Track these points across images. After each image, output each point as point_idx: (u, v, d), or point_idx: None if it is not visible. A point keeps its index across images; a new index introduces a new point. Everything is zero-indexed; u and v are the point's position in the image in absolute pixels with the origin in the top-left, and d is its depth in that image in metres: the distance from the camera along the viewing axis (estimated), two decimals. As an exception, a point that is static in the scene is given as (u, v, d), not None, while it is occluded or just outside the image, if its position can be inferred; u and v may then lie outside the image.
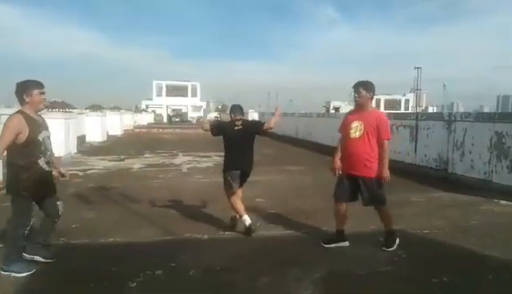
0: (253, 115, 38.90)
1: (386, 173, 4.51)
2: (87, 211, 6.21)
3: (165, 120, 55.84)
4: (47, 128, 4.05)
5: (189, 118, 57.48)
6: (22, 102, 3.87)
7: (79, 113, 21.63)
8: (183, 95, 63.38)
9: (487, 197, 7.48)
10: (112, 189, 7.95)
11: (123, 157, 13.85)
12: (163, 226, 5.48)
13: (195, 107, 62.37)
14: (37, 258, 4.01)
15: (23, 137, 3.73)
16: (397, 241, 4.66)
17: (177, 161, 12.97)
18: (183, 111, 61.18)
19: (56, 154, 13.09)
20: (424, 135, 10.66)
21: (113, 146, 18.11)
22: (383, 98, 40.83)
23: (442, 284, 3.81)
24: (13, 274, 3.83)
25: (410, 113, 14.93)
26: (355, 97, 4.56)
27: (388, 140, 4.48)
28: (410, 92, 42.03)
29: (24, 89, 3.86)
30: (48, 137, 4.03)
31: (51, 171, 4.06)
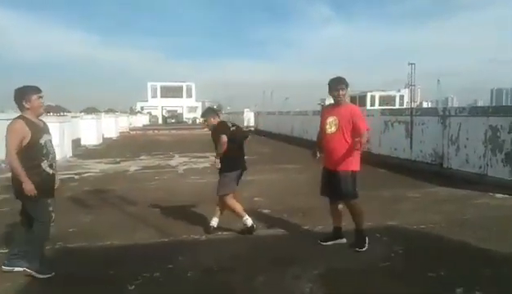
0: (248, 114, 38.86)
1: (363, 139, 4.40)
2: (84, 215, 6.20)
3: (160, 121, 55.70)
4: (48, 132, 4.10)
5: (184, 119, 57.35)
6: (22, 108, 3.89)
7: (74, 117, 21.57)
8: (178, 96, 63.18)
9: (482, 190, 7.52)
10: (108, 192, 7.93)
11: (118, 159, 13.81)
12: (160, 228, 5.47)
13: (191, 108, 62.21)
14: (16, 269, 3.95)
15: (26, 142, 3.77)
16: (367, 240, 4.60)
17: (173, 162, 12.96)
18: (178, 112, 61.01)
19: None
20: (419, 131, 10.70)
21: (108, 149, 18.07)
22: (377, 94, 40.77)
23: (439, 278, 3.83)
24: (36, 275, 3.87)
25: (405, 108, 14.99)
26: (336, 96, 4.60)
27: (367, 130, 4.49)
28: (405, 88, 42.09)
29: (23, 95, 3.88)
30: (50, 140, 4.07)
31: (54, 174, 4.07)
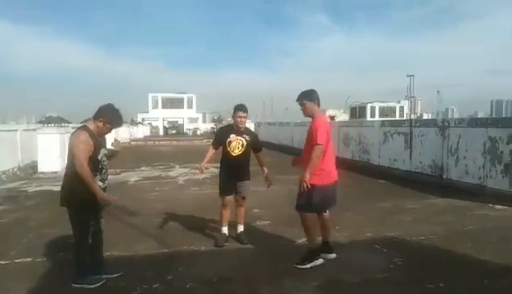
0: (249, 125, 38.92)
1: (305, 177, 4.27)
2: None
3: (161, 132, 55.82)
4: (105, 146, 4.18)
5: (185, 130, 57.49)
6: (94, 120, 3.97)
7: (75, 128, 21.62)
8: (179, 107, 63.44)
9: (482, 201, 7.54)
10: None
11: (119, 170, 13.83)
12: (160, 239, 5.48)
13: (192, 119, 62.44)
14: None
15: (88, 154, 3.83)
16: (314, 263, 4.41)
17: (173, 173, 12.98)
18: (179, 123, 61.21)
19: (53, 169, 13.12)
20: (418, 142, 10.73)
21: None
22: (377, 105, 40.94)
23: (438, 290, 3.84)
24: (86, 286, 3.91)
25: (405, 120, 15.05)
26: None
27: (316, 144, 4.31)
28: (405, 99, 42.24)
29: (105, 115, 3.97)
30: (105, 155, 4.15)
31: (105, 188, 4.12)
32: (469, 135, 8.93)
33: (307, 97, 4.57)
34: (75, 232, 4.00)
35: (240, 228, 5.39)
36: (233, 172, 5.24)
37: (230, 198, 5.31)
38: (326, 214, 4.68)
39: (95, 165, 3.93)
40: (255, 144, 5.37)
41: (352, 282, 4.04)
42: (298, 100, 4.62)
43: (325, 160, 4.41)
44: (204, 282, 4.08)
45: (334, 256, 4.66)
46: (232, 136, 5.21)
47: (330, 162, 4.50)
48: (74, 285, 3.94)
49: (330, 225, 4.73)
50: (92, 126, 3.96)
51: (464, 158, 9.00)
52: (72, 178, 3.82)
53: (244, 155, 5.24)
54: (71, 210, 3.92)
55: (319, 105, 4.62)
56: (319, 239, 4.66)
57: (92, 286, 3.92)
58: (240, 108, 5.25)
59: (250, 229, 5.84)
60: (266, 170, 5.38)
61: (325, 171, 4.43)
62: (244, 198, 5.36)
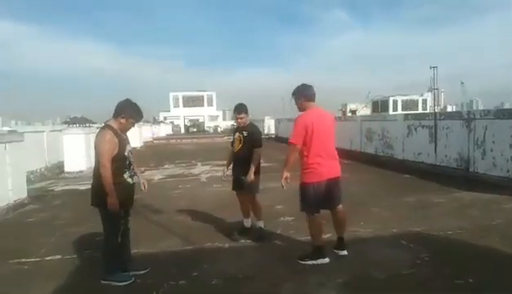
0: (269, 122, 38.91)
1: (282, 175, 4.38)
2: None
3: (183, 130, 56.33)
4: (129, 142, 4.24)
5: (206, 128, 57.89)
6: (115, 117, 4.01)
7: (99, 128, 22.00)
8: (199, 105, 63.93)
9: (510, 195, 7.34)
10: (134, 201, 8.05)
11: (143, 169, 14.01)
12: (184, 236, 5.54)
13: (212, 116, 62.82)
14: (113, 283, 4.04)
15: (114, 153, 3.90)
16: (316, 262, 4.35)
17: (195, 171, 13.09)
18: (200, 121, 61.67)
19: (78, 169, 13.42)
20: (443, 135, 10.52)
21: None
22: (400, 99, 40.35)
23: (467, 285, 3.76)
24: (113, 283, 3.99)
25: (429, 113, 14.77)
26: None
27: (288, 143, 4.40)
28: (428, 92, 41.42)
29: (127, 111, 4.03)
30: (131, 151, 4.22)
31: (134, 184, 4.21)
32: (496, 126, 8.70)
33: (294, 93, 4.56)
34: (105, 230, 4.06)
35: (259, 223, 5.42)
36: (236, 168, 5.44)
37: (241, 193, 5.47)
38: (339, 211, 4.59)
39: (123, 162, 4.00)
40: (252, 141, 5.35)
41: (378, 278, 4.00)
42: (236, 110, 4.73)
43: (312, 157, 4.31)
44: (228, 278, 4.11)
45: (345, 253, 4.59)
46: (236, 134, 5.46)
47: (320, 159, 4.33)
48: (102, 282, 4.02)
49: (343, 222, 4.65)
50: (115, 124, 4.01)
51: (492, 150, 8.78)
52: (99, 177, 3.89)
53: (243, 151, 5.31)
54: (102, 209, 3.98)
55: (310, 100, 4.50)
56: (326, 237, 4.63)
57: (121, 283, 4.00)
58: (236, 109, 5.45)
59: (274, 226, 5.85)
60: (252, 167, 5.24)
61: (313, 169, 4.33)
62: (248, 194, 5.40)
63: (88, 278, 4.21)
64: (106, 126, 4.00)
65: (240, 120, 5.42)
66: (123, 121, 4.02)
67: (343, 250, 4.61)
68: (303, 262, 4.37)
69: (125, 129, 4.11)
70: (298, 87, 4.57)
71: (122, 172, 3.99)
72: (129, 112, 4.05)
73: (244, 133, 5.35)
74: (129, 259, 4.31)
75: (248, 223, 5.54)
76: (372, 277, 4.03)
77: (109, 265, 4.08)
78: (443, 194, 7.79)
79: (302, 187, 4.42)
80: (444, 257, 4.52)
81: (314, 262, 4.35)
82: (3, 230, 6.34)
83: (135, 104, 4.13)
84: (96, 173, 3.93)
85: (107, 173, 3.81)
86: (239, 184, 5.40)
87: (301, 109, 4.54)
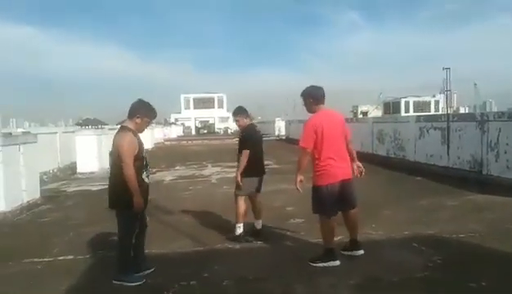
0: (280, 123, 38.90)
1: (295, 179, 4.43)
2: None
3: (194, 132, 56.56)
4: (143, 143, 4.30)
5: (216, 130, 58.07)
6: (131, 119, 4.08)
7: (111, 129, 22.17)
8: (210, 107, 64.17)
9: (525, 198, 7.23)
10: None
11: (154, 170, 14.08)
12: (195, 237, 5.56)
13: (222, 118, 62.98)
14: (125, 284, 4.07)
15: (134, 153, 3.96)
16: (328, 264, 4.33)
17: (206, 172, 13.13)
18: (210, 122, 61.89)
19: (90, 170, 13.54)
20: (456, 137, 10.41)
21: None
22: (412, 100, 40.00)
23: (480, 289, 3.71)
24: (124, 284, 4.02)
25: (441, 114, 14.63)
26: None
27: (298, 147, 4.43)
28: (440, 93, 40.96)
29: (142, 110, 4.10)
30: (146, 151, 4.30)
31: (148, 184, 4.26)
32: (510, 128, 8.58)
33: (303, 95, 4.56)
34: (120, 231, 4.10)
35: (237, 226, 5.41)
36: None
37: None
38: (352, 212, 4.56)
39: (141, 162, 4.06)
40: (240, 144, 5.41)
41: (390, 281, 3.97)
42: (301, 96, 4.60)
43: (323, 159, 4.29)
44: (239, 279, 4.11)
45: (361, 252, 4.58)
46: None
47: (332, 160, 4.31)
48: (114, 282, 4.05)
49: (355, 224, 4.63)
50: (131, 125, 4.06)
51: (505, 152, 8.66)
52: (117, 178, 3.95)
53: (239, 152, 5.35)
54: (120, 210, 4.03)
55: (319, 101, 4.49)
56: (337, 239, 4.61)
57: (133, 284, 4.02)
58: (233, 113, 5.58)
59: (285, 227, 5.85)
60: (237, 168, 5.34)
61: (325, 170, 4.31)
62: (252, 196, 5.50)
63: (100, 279, 4.25)
64: (125, 128, 4.04)
65: (237, 123, 5.52)
66: (138, 120, 4.07)
67: (359, 249, 4.60)
68: (314, 264, 4.36)
69: (141, 129, 4.17)
70: (306, 88, 4.56)
71: (141, 172, 4.04)
72: (143, 111, 4.11)
73: (238, 136, 5.43)
74: (144, 258, 4.34)
75: (258, 225, 5.51)
76: (384, 279, 4.00)
77: (122, 265, 4.11)
78: (456, 197, 7.70)
79: (315, 189, 4.40)
80: (457, 260, 4.47)
81: (325, 264, 4.33)
82: (17, 230, 6.43)
83: (148, 103, 4.19)
84: (116, 174, 3.97)
85: (132, 173, 3.86)
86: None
87: (310, 110, 4.54)
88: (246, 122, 5.49)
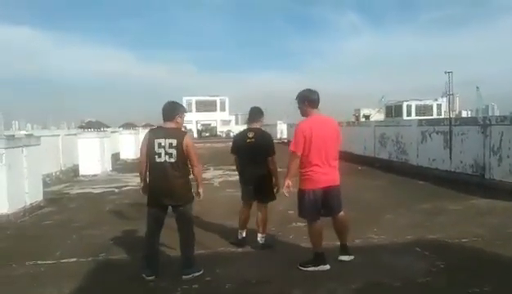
0: (281, 126, 38.87)
1: (284, 183, 4.47)
2: (124, 227, 6.38)
3: (196, 135, 56.58)
4: None
5: (218, 133, 58.08)
6: (170, 120, 4.32)
7: (113, 132, 22.25)
8: (212, 110, 64.15)
9: (528, 202, 7.21)
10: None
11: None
12: (197, 240, 5.50)
13: (224, 121, 62.99)
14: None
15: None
16: (317, 268, 4.35)
17: (208, 175, 13.13)
18: (212, 125, 61.88)
19: (93, 172, 13.55)
20: (458, 141, 10.40)
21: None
22: (414, 104, 39.92)
23: (483, 294, 3.71)
24: (195, 274, 4.26)
25: (443, 118, 14.61)
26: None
27: (289, 150, 4.41)
28: (442, 97, 40.82)
29: (179, 110, 4.41)
30: None
31: None
32: (513, 133, 8.57)
33: (298, 97, 4.55)
34: (191, 222, 4.55)
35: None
36: None
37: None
38: (339, 217, 4.57)
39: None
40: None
41: (392, 285, 3.96)
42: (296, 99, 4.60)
43: (308, 164, 4.30)
44: (241, 283, 4.12)
45: (346, 258, 4.58)
46: None
47: (317, 167, 4.30)
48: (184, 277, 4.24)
49: (344, 230, 4.64)
50: (173, 125, 4.31)
51: (508, 156, 8.64)
52: (186, 176, 4.36)
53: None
54: (190, 205, 4.47)
55: (313, 105, 4.48)
56: (329, 243, 4.62)
57: (200, 272, 4.30)
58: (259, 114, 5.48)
59: (287, 231, 5.85)
60: None
61: (309, 176, 4.32)
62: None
63: (102, 281, 4.26)
64: (181, 130, 4.38)
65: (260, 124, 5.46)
66: (179, 120, 4.36)
67: (346, 255, 4.60)
68: (304, 268, 4.37)
69: (182, 126, 4.47)
70: (303, 91, 4.56)
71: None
72: (180, 109, 4.44)
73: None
74: (183, 258, 4.52)
75: (260, 239, 5.34)
76: (386, 284, 4.00)
77: (193, 255, 4.43)
78: (459, 201, 7.69)
79: (299, 193, 4.45)
80: (460, 265, 4.47)
81: (315, 268, 4.35)
82: (20, 232, 6.45)
83: (173, 101, 4.48)
84: (183, 173, 4.30)
85: (200, 171, 4.62)
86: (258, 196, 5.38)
87: (304, 114, 4.53)
88: (256, 125, 5.36)
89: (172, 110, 4.35)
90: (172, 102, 4.46)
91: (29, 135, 10.76)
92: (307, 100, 4.48)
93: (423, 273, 4.23)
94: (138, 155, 4.61)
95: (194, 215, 6.90)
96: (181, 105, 4.57)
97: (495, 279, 4.02)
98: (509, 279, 4.05)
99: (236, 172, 5.64)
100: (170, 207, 4.40)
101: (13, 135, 9.93)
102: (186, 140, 4.23)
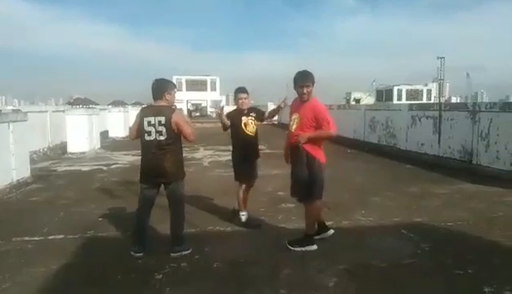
0: (271, 108, 38.76)
1: (303, 138, 4.27)
2: (112, 205, 6.35)
3: (186, 114, 56.27)
4: None
5: (208, 113, 57.84)
6: (160, 98, 4.30)
7: (102, 109, 21.98)
8: (203, 90, 63.66)
9: (513, 188, 7.33)
10: (136, 184, 8.00)
11: (145, 151, 14.03)
12: (186, 219, 5.52)
13: (215, 101, 62.66)
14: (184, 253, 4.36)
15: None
16: (306, 248, 4.40)
17: (198, 155, 13.08)
18: (203, 105, 61.53)
19: (81, 150, 13.44)
20: (447, 126, 10.48)
21: (136, 141, 18.32)
22: (404, 88, 40.04)
23: (466, 276, 3.78)
24: (184, 253, 4.28)
25: (434, 103, 14.70)
26: (300, 93, 4.38)
27: (332, 130, 4.28)
28: (433, 82, 41.09)
29: (166, 87, 4.34)
30: None
31: None
32: (501, 119, 8.66)
33: (311, 80, 4.38)
34: (183, 198, 4.57)
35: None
36: (250, 155, 5.38)
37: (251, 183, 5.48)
38: None
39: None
40: (259, 113, 5.42)
41: (378, 266, 4.02)
42: (304, 81, 4.34)
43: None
44: (230, 262, 4.14)
45: (331, 232, 4.73)
46: (244, 118, 5.26)
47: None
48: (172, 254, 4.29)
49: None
50: (164, 103, 4.28)
51: (496, 143, 8.75)
52: (173, 154, 4.38)
53: (257, 134, 5.36)
54: (179, 181, 4.50)
55: None
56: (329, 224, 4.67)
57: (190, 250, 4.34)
58: (242, 90, 5.35)
59: (275, 212, 5.88)
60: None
61: (323, 151, 4.43)
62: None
63: (91, 258, 4.25)
64: (171, 107, 4.29)
65: (244, 101, 5.28)
66: (169, 97, 4.32)
67: (330, 230, 4.75)
68: (292, 248, 4.42)
69: (172, 102, 4.42)
70: (311, 74, 4.42)
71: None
72: (169, 86, 4.38)
73: (253, 115, 5.30)
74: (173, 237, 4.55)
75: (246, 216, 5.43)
76: (372, 265, 4.05)
77: (183, 232, 4.46)
78: (445, 186, 7.79)
79: (321, 166, 4.39)
80: (445, 248, 4.54)
81: (303, 249, 4.40)
82: (7, 209, 6.39)
83: (162, 79, 4.42)
84: (174, 150, 4.39)
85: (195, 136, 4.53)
86: (254, 174, 5.41)
87: (310, 96, 4.39)
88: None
89: (161, 87, 4.30)
90: (161, 79, 4.41)
91: (16, 111, 10.59)
92: (313, 82, 4.44)
93: (409, 255, 4.30)
94: (127, 133, 4.65)
95: (186, 194, 6.94)
96: (171, 82, 4.51)
97: (479, 262, 4.09)
98: (491, 262, 4.13)
99: (225, 153, 5.63)
100: (163, 186, 4.38)
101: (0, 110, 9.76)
102: (175, 117, 4.20)
